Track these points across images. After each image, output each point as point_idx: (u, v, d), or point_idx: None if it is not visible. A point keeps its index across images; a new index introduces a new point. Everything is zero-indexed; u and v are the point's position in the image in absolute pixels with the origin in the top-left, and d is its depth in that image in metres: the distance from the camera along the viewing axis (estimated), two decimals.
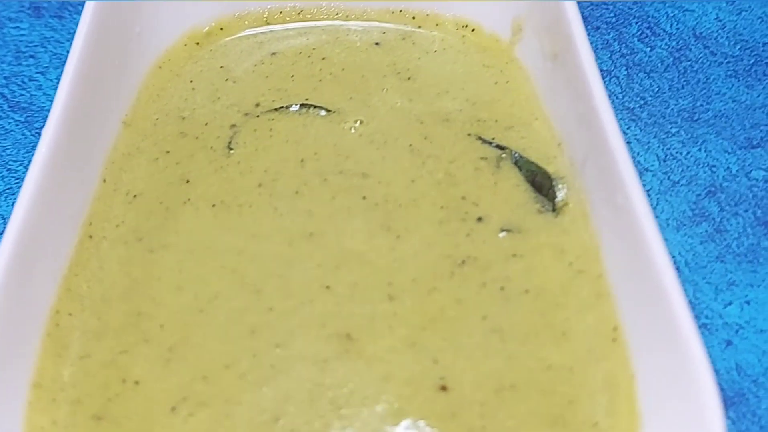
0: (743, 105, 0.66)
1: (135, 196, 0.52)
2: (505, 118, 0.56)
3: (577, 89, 0.51)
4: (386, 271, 0.49)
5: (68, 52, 0.51)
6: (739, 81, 0.68)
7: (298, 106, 0.57)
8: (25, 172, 0.46)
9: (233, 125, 0.56)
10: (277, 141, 0.55)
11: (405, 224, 0.51)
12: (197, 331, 0.47)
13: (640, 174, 0.59)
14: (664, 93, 0.67)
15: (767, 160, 0.62)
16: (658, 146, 0.63)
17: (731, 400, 0.51)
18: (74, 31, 0.52)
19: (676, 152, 0.63)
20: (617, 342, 0.45)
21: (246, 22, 0.62)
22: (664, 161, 0.62)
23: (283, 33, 0.61)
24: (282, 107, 0.57)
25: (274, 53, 0.60)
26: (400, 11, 0.62)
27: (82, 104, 0.51)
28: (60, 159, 0.48)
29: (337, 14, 0.62)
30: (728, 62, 0.70)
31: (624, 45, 0.70)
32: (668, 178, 0.61)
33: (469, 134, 0.55)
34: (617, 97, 0.65)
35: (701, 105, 0.66)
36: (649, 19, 0.73)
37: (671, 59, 0.69)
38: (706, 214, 0.60)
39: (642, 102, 0.66)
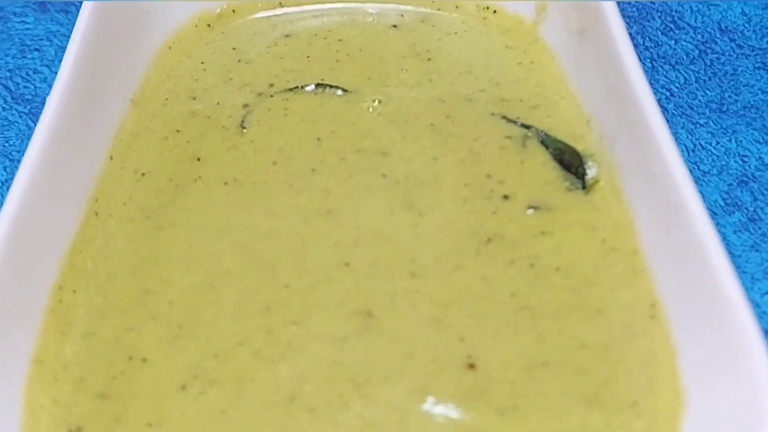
0: None
1: (143, 174, 0.50)
2: (530, 97, 0.54)
3: (607, 61, 0.49)
4: (408, 249, 0.46)
5: None
6: None
7: (314, 86, 0.54)
8: None
9: (246, 105, 0.53)
10: (292, 120, 0.53)
11: (427, 202, 0.48)
12: (208, 309, 0.44)
13: None
14: (691, 85, 0.65)
15: None
16: (686, 137, 0.61)
17: None
18: None
19: (705, 143, 0.60)
20: (656, 319, 0.43)
21: (259, 4, 0.60)
22: (693, 151, 0.60)
23: (298, 15, 0.59)
24: (297, 87, 0.54)
25: (288, 35, 0.58)
26: None
27: (86, 80, 0.49)
28: (63, 133, 0.46)
29: None
30: (756, 55, 0.67)
31: (647, 38, 0.67)
32: (698, 168, 0.58)
33: (492, 114, 0.53)
34: None
35: (730, 96, 0.64)
36: (673, 13, 0.71)
37: (697, 52, 0.67)
38: (739, 203, 0.57)
39: (668, 94, 0.64)
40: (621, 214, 0.47)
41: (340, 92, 0.54)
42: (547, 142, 0.51)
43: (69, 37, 0.63)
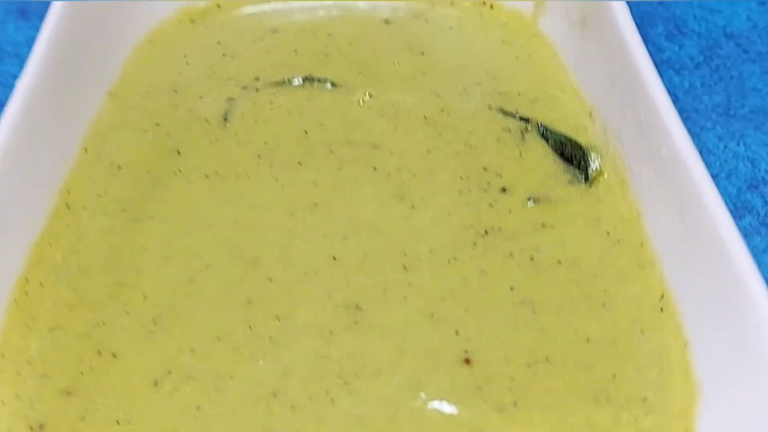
0: None
1: (119, 167, 0.47)
2: (528, 91, 0.51)
3: (611, 47, 0.46)
4: (400, 241, 0.43)
5: None
6: None
7: (302, 79, 0.52)
8: None
9: (230, 98, 0.51)
10: (278, 114, 0.50)
11: (420, 194, 0.45)
12: (185, 302, 0.41)
13: None
14: (696, 89, 0.62)
15: None
16: (693, 141, 0.58)
17: None
18: None
19: (713, 146, 0.58)
20: (666, 311, 0.40)
21: (245, 0, 0.56)
22: (700, 155, 0.57)
23: (285, 10, 0.57)
24: (284, 81, 0.52)
25: (275, 30, 0.55)
26: None
27: (59, 69, 0.47)
28: (32, 120, 0.43)
29: None
30: (762, 59, 0.65)
31: (651, 44, 0.65)
32: None
33: (489, 107, 0.50)
34: None
35: (736, 101, 0.61)
36: (676, 19, 0.68)
37: (702, 57, 0.65)
38: (750, 207, 0.54)
39: (673, 99, 0.60)
40: (627, 206, 0.44)
41: (329, 86, 0.52)
42: (547, 134, 0.48)
43: None
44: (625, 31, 0.45)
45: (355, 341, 0.40)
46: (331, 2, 0.57)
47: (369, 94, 0.51)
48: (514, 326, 0.40)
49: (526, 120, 0.49)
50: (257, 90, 0.52)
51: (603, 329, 0.40)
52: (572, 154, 0.47)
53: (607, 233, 0.44)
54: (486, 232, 0.44)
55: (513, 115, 0.50)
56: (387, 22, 0.56)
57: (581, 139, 0.48)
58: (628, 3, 0.51)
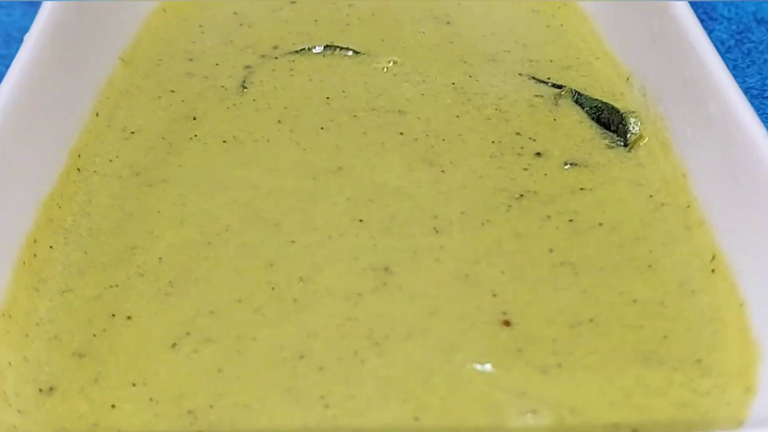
0: None
1: (132, 132, 0.45)
2: (561, 58, 0.49)
3: (650, 5, 0.44)
4: (429, 205, 0.41)
5: None
6: None
7: (323, 47, 0.50)
8: None
9: (248, 66, 0.49)
10: (298, 80, 0.48)
11: (450, 158, 0.43)
12: (203, 265, 0.39)
13: None
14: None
15: None
16: None
17: None
18: None
19: None
20: (717, 272, 0.37)
21: None
22: None
23: None
24: (304, 49, 0.49)
25: (293, 1, 0.53)
26: None
27: (69, 31, 0.45)
28: (41, 79, 0.42)
29: None
30: None
31: None
32: None
33: (520, 74, 0.48)
34: None
35: None
36: (705, 5, 0.66)
37: (733, 41, 0.63)
38: None
39: None
40: (671, 168, 0.42)
41: (351, 53, 0.49)
42: (581, 101, 0.46)
43: None
44: None
45: (384, 304, 0.37)
46: None
47: (393, 62, 0.48)
48: (554, 288, 0.38)
49: (559, 87, 0.47)
50: (276, 58, 0.50)
51: (650, 291, 0.38)
52: (609, 119, 0.45)
53: (650, 196, 0.41)
54: (521, 195, 0.42)
55: (545, 82, 0.48)
56: None
57: (618, 105, 0.45)
58: None
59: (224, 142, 0.44)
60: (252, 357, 0.36)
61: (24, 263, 0.38)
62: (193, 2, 0.53)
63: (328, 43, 0.50)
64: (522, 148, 0.44)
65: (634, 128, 0.44)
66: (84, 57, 0.46)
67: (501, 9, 0.53)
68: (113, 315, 0.37)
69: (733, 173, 0.37)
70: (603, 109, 0.45)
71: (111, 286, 0.38)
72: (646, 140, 0.44)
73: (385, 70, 0.48)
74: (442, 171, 0.43)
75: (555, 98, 0.46)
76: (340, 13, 0.52)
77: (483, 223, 0.40)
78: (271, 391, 0.35)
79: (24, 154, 0.40)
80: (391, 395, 0.34)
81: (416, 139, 0.44)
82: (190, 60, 0.49)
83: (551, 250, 0.39)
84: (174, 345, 0.36)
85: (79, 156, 0.43)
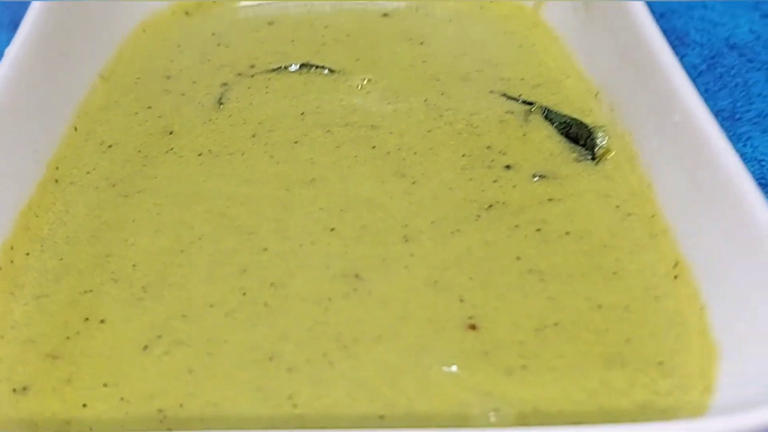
0: None
1: (110, 146, 0.46)
2: (532, 77, 0.50)
3: (618, 22, 0.45)
4: (401, 215, 0.42)
5: None
6: None
7: (298, 65, 0.51)
8: None
9: (224, 83, 0.50)
10: (273, 97, 0.49)
11: (421, 170, 0.44)
12: (176, 271, 0.39)
13: None
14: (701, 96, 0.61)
15: None
16: None
17: None
18: None
19: None
20: (680, 278, 0.38)
21: None
22: None
23: (282, 5, 0.56)
24: (280, 68, 0.50)
25: (271, 22, 0.55)
26: None
27: (49, 47, 0.46)
28: (20, 92, 0.43)
29: None
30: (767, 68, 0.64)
31: None
32: None
33: (491, 91, 0.49)
34: None
35: (742, 106, 0.60)
36: (677, 31, 0.68)
37: (705, 66, 0.64)
38: None
39: None
40: (637, 179, 0.43)
41: (326, 72, 0.50)
42: (551, 116, 0.47)
43: None
44: (630, 4, 0.44)
45: (354, 309, 0.38)
46: None
47: (367, 80, 0.49)
48: (521, 293, 0.39)
49: (530, 103, 0.48)
50: (252, 76, 0.51)
51: (615, 296, 0.38)
52: (578, 134, 0.46)
53: (617, 207, 0.42)
54: (491, 206, 0.42)
55: (516, 99, 0.49)
56: (385, 15, 0.55)
57: (587, 120, 0.46)
58: None
59: (199, 155, 0.45)
60: (223, 358, 0.36)
61: (0, 269, 0.38)
62: (172, 22, 0.54)
63: (304, 62, 0.51)
64: (492, 161, 0.45)
65: (601, 142, 0.45)
66: (64, 73, 0.47)
67: (474, 30, 0.54)
68: (87, 319, 0.38)
69: (694, 179, 0.38)
70: (572, 125, 0.46)
71: (85, 292, 0.39)
72: (613, 153, 0.45)
73: (359, 87, 0.49)
74: (414, 183, 0.44)
75: (525, 114, 0.47)
76: (316, 34, 0.53)
77: (452, 232, 0.41)
78: (241, 390, 0.35)
79: (3, 164, 0.40)
80: (360, 395, 0.35)
81: (388, 153, 0.45)
82: (168, 78, 0.50)
83: (519, 258, 0.40)
84: (145, 347, 0.37)
85: (57, 168, 0.44)
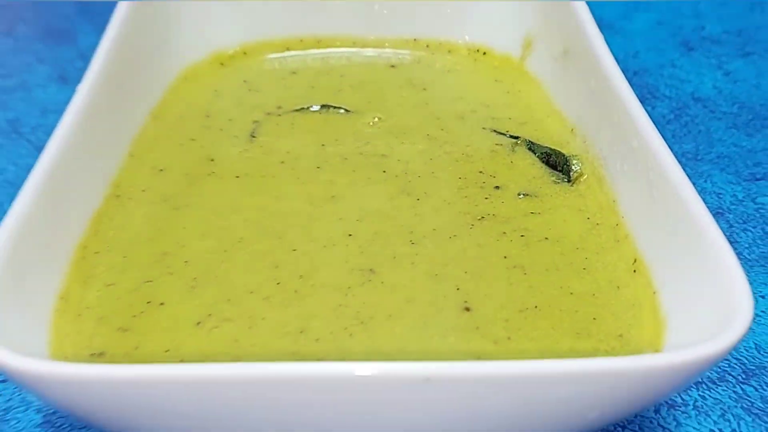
0: (744, 149, 0.69)
1: (161, 170, 0.54)
2: (518, 116, 0.59)
3: (588, 68, 0.54)
4: (407, 224, 0.50)
5: None
6: (739, 131, 0.71)
7: (319, 106, 0.59)
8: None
9: (256, 121, 0.58)
10: (298, 131, 0.57)
11: (424, 190, 0.52)
12: (221, 266, 0.48)
13: None
14: (667, 140, 0.69)
15: None
16: None
17: (752, 372, 0.51)
18: None
19: None
20: (638, 272, 0.46)
21: (268, 48, 0.65)
22: None
23: (303, 57, 0.65)
24: (303, 108, 0.59)
25: (294, 72, 0.63)
26: (414, 40, 0.66)
27: (109, 90, 0.54)
28: (88, 127, 0.51)
29: (353, 42, 0.66)
30: (727, 117, 0.73)
31: None
32: None
33: (483, 128, 0.58)
34: None
35: (704, 148, 0.69)
36: (649, 86, 0.77)
37: (672, 115, 0.73)
38: None
39: None
40: (604, 196, 0.51)
41: (342, 111, 0.59)
42: (534, 148, 0.56)
43: None
44: (599, 52, 0.53)
45: (369, 294, 0.46)
46: (342, 49, 0.66)
47: (378, 118, 0.58)
48: (507, 283, 0.47)
49: (516, 137, 0.57)
50: (279, 115, 0.59)
51: (584, 286, 0.47)
52: (556, 162, 0.54)
53: (588, 218, 0.51)
54: (482, 217, 0.51)
55: (504, 134, 0.57)
56: (392, 66, 0.64)
57: (564, 150, 0.55)
58: None
59: (237, 177, 0.54)
60: (262, 330, 0.44)
61: (76, 263, 0.47)
62: (209, 72, 0.63)
63: (324, 104, 0.60)
64: (484, 182, 0.53)
65: (576, 168, 0.54)
66: (123, 112, 0.55)
67: (468, 79, 0.63)
68: (149, 302, 0.46)
69: (650, 191, 0.47)
70: (551, 154, 0.55)
71: (146, 281, 0.47)
72: (585, 177, 0.53)
73: (371, 124, 0.58)
74: (418, 199, 0.52)
75: (512, 146, 0.56)
76: (333, 81, 0.62)
77: (450, 237, 0.50)
78: (278, 355, 0.43)
79: (77, 182, 0.49)
80: (374, 360, 0.43)
81: (396, 176, 0.54)
82: (208, 116, 0.59)
83: (506, 257, 0.48)
84: (198, 323, 0.45)
85: (118, 186, 0.52)
